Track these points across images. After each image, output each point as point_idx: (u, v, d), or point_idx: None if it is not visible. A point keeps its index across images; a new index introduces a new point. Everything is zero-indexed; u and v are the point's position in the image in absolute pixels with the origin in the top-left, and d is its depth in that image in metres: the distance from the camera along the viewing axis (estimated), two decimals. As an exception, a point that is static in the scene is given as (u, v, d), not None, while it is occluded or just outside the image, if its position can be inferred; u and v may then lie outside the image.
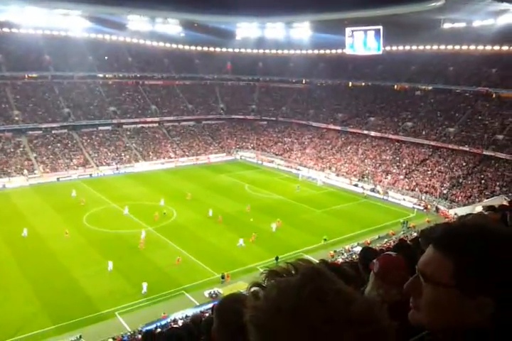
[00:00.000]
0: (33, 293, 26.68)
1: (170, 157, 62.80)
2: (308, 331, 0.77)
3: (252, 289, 0.88)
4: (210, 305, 22.83)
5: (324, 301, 0.79)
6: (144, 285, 27.32)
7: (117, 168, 56.89)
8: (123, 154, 60.76)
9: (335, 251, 33.10)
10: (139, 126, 67.62)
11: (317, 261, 3.26)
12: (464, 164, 49.94)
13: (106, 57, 72.01)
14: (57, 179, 51.98)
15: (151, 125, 68.69)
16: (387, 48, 64.60)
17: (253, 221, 38.61)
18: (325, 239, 35.13)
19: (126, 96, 71.42)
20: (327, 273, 0.87)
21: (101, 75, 72.54)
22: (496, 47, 57.47)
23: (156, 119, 69.47)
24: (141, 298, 26.88)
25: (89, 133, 63.26)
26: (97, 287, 27.50)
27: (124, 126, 66.64)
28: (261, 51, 79.48)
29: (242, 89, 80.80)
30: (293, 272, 0.87)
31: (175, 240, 34.69)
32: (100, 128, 64.60)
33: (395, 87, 67.97)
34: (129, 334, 23.38)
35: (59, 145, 59.46)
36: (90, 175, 54.09)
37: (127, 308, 25.78)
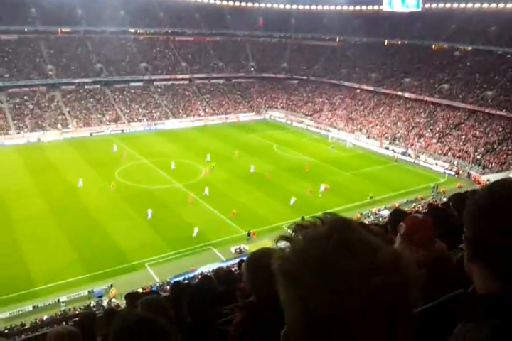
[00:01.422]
0: (69, 244, 28.04)
1: (199, 115, 62.90)
2: (336, 279, 0.78)
3: (279, 242, 0.89)
4: (236, 261, 23.62)
5: (351, 250, 0.80)
6: (196, 229, 29.48)
7: (148, 125, 57.47)
8: (154, 111, 61.20)
9: (361, 214, 33.18)
10: (170, 83, 67.49)
11: None
12: (500, 129, 48.28)
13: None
14: (91, 134, 53.09)
15: (181, 82, 68.46)
16: (427, 5, 61.21)
17: (283, 181, 38.92)
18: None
19: (157, 53, 70.94)
20: (354, 225, 0.87)
21: (132, 30, 71.99)
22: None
23: (187, 76, 69.11)
24: (170, 250, 27.92)
25: (121, 89, 63.66)
26: (129, 240, 28.71)
27: (155, 83, 66.68)
28: (294, 7, 76.87)
29: (273, 46, 78.90)
30: (320, 224, 0.88)
31: (203, 197, 35.37)
32: (132, 84, 64.88)
33: (433, 46, 64.95)
34: (158, 284, 24.52)
35: (92, 100, 60.21)
36: (122, 130, 54.95)
37: (157, 260, 26.95)
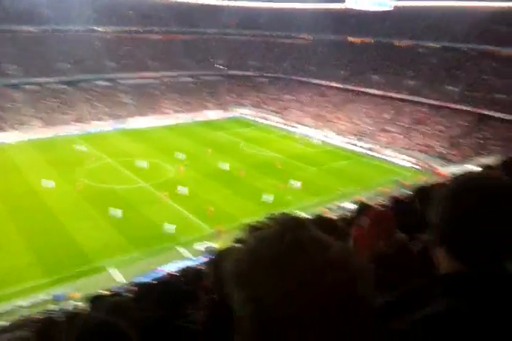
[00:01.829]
0: (28, 246, 27.21)
1: (167, 113, 62.22)
2: (289, 278, 0.78)
3: (235, 244, 0.92)
4: (204, 259, 23.39)
5: (302, 249, 0.81)
6: (172, 227, 29.37)
7: (114, 124, 56.51)
8: (119, 110, 60.23)
9: (329, 209, 33.36)
10: (137, 81, 66.54)
11: (311, 218, 3.32)
12: (463, 124, 49.40)
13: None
14: (55, 134, 51.83)
15: (149, 81, 67.59)
16: (394, 3, 62.19)
17: (246, 177, 38.90)
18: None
19: (125, 51, 69.86)
20: (306, 223, 0.89)
21: (99, 29, 70.62)
22: (505, 4, 54.97)
23: (155, 75, 68.26)
24: (135, 251, 27.46)
25: (86, 89, 62.44)
26: (92, 241, 28.04)
27: (122, 82, 65.62)
28: (263, 5, 76.87)
29: (242, 44, 78.74)
30: (273, 225, 0.88)
31: (170, 196, 35.03)
32: (98, 83, 63.64)
33: (399, 44, 65.84)
34: (124, 286, 24.02)
35: (56, 100, 58.85)
36: (87, 130, 53.88)
37: (122, 261, 26.39)
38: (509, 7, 55.05)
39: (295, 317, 0.77)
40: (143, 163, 41.57)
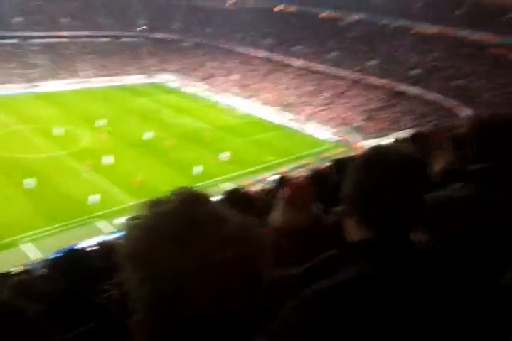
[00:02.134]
0: None
1: (83, 76, 58.40)
2: (186, 255, 0.78)
3: (132, 222, 0.88)
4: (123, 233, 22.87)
5: (199, 224, 0.81)
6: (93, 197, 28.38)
7: (23, 87, 52.11)
8: (30, 72, 55.48)
9: (255, 180, 33.79)
10: (49, 40, 61.34)
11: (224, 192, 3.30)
12: (380, 97, 51.62)
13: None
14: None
15: (61, 40, 62.51)
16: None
17: (171, 147, 38.13)
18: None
19: (34, 6, 63.74)
20: (204, 198, 0.89)
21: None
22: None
23: (68, 34, 63.26)
24: (52, 225, 26.17)
25: (-11, 47, 56.67)
26: (2, 215, 26.26)
27: (31, 41, 60.18)
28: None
29: (165, 6, 74.92)
30: (172, 200, 0.87)
31: (90, 166, 33.42)
32: (3, 41, 57.78)
33: (322, 14, 66.19)
34: (37, 262, 23.00)
35: (-47, 58, 52.94)
36: (-7, 93, 49.31)
37: (36, 236, 25.15)
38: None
39: (193, 292, 0.77)
40: (58, 130, 39.01)
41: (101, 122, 41.78)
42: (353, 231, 1.34)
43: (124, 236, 0.86)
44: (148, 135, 40.16)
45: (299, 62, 59.60)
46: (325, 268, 1.51)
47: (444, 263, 1.30)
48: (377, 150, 1.42)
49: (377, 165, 1.32)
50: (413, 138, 5.17)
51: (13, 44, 58.54)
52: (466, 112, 40.66)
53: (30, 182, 29.59)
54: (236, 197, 2.92)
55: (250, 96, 55.99)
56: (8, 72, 54.13)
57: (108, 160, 34.26)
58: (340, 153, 38.59)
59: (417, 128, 40.62)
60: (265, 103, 54.18)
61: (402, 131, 41.60)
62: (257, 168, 36.32)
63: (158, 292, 0.79)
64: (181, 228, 0.81)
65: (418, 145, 4.50)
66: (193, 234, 0.80)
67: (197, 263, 0.78)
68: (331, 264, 1.48)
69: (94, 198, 28.83)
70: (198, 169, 34.38)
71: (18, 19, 60.29)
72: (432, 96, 47.71)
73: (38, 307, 2.02)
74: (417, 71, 51.95)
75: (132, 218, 0.87)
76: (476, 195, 1.85)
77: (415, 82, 50.50)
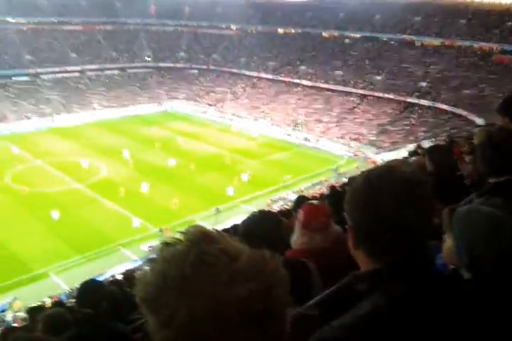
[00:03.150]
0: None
1: (95, 108, 59.55)
2: (198, 297, 0.76)
3: (145, 265, 0.89)
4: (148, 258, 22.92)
5: (208, 263, 0.78)
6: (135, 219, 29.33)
7: (40, 122, 53.16)
8: (43, 107, 56.76)
9: (271, 200, 33.90)
10: (59, 75, 62.91)
11: (254, 210, 3.30)
12: (390, 111, 51.96)
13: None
14: (-28, 135, 47.90)
15: (72, 74, 64.14)
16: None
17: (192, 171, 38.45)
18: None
19: (44, 44, 65.69)
20: (214, 235, 0.86)
21: (13, 20, 65.66)
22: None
23: (77, 68, 64.88)
24: (75, 255, 26.31)
25: (3, 85, 58.02)
26: (28, 248, 26.49)
27: (43, 76, 61.71)
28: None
29: (168, 35, 76.84)
30: (181, 240, 0.85)
31: (106, 196, 33.71)
32: (15, 78, 59.36)
33: (325, 34, 67.59)
34: (67, 292, 23.10)
35: (-30, 98, 54.35)
36: (9, 130, 50.29)
37: (62, 267, 25.28)
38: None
39: (211, 336, 0.75)
40: (78, 162, 39.57)
41: (121, 152, 42.33)
42: (362, 262, 1.29)
43: (137, 280, 0.84)
44: (171, 162, 40.46)
45: (306, 82, 60.38)
46: (340, 300, 1.49)
47: (471, 292, 1.25)
48: (380, 175, 1.28)
49: (381, 192, 1.22)
50: (429, 151, 5.17)
51: (26, 81, 60.10)
52: (478, 121, 40.68)
53: (54, 215, 29.91)
54: (263, 218, 2.89)
55: (261, 118, 56.60)
56: (23, 108, 55.41)
57: (142, 187, 34.63)
58: (356, 167, 38.72)
59: (431, 140, 40.77)
60: (277, 123, 54.70)
61: (415, 144, 41.71)
62: (275, 187, 36.43)
63: (173, 339, 0.77)
64: (189, 269, 0.78)
65: (434, 158, 4.66)
66: (202, 274, 0.77)
67: (207, 304, 0.75)
68: (346, 296, 1.41)
69: (136, 222, 29.52)
70: (228, 190, 34.64)
71: (28, 57, 62.11)
72: (442, 107, 47.95)
73: None
74: (424, 83, 52.40)
75: (147, 261, 0.86)
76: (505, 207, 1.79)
77: (424, 94, 50.88)
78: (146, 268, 0.85)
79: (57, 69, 62.78)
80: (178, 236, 0.86)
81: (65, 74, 63.44)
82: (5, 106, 54.76)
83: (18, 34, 64.44)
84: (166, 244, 0.85)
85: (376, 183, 1.25)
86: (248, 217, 2.95)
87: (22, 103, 56.19)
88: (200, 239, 0.83)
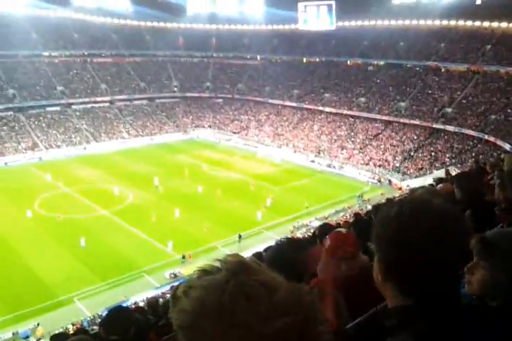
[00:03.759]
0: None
1: (123, 137, 61.19)
2: (236, 328, 0.75)
3: (180, 291, 0.86)
4: (170, 286, 22.89)
5: (247, 295, 0.78)
6: (170, 243, 30.03)
7: (70, 151, 54.87)
8: (73, 136, 58.67)
9: (294, 227, 33.63)
10: (89, 106, 65.17)
11: (278, 238, 3.28)
12: (415, 137, 51.46)
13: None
14: (5, 163, 49.68)
15: (101, 104, 66.40)
16: (340, 24, 65.20)
17: (216, 201, 38.61)
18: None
19: (74, 75, 68.48)
20: (253, 266, 0.85)
21: (46, 54, 68.99)
22: (444, 22, 58.84)
23: (107, 98, 67.19)
24: (99, 281, 26.48)
25: (36, 115, 60.53)
26: (54, 273, 26.86)
27: (74, 107, 64.07)
28: (214, 26, 78.20)
29: (195, 66, 79.13)
30: (219, 269, 0.85)
31: (132, 223, 34.12)
32: (48, 109, 61.86)
33: (348, 62, 68.38)
34: (89, 319, 23.13)
35: (5, 128, 56.64)
36: (40, 158, 52.02)
37: (86, 293, 25.41)
38: (446, 25, 58.81)
39: None
40: (108, 189, 40.43)
41: (147, 179, 42.99)
42: (390, 296, 1.24)
43: (172, 305, 0.85)
44: (197, 188, 40.93)
45: (329, 109, 60.71)
46: (366, 334, 1.45)
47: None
48: (413, 209, 1.22)
49: (415, 227, 1.16)
50: (458, 178, 5.06)
51: (57, 111, 62.48)
52: (505, 147, 39.86)
53: (81, 241, 30.37)
54: (290, 245, 2.87)
55: (284, 145, 56.91)
56: (54, 137, 57.44)
57: (168, 214, 35.12)
58: (380, 194, 38.21)
59: (457, 166, 39.98)
60: (300, 150, 54.86)
61: (441, 170, 40.99)
62: (298, 214, 36.19)
63: None
64: (227, 299, 0.77)
65: (462, 185, 4.53)
66: (240, 306, 0.77)
67: (243, 335, 0.74)
68: (373, 330, 1.37)
69: (169, 244, 30.11)
70: (251, 217, 34.82)
71: (60, 88, 64.71)
72: (469, 132, 47.20)
73: None
74: (450, 109, 51.93)
75: (182, 287, 0.86)
76: None
77: (450, 119, 50.33)
78: (179, 294, 0.84)
79: (87, 99, 65.14)
80: (216, 264, 0.86)
81: (95, 105, 65.71)
82: (36, 135, 56.85)
83: (51, 67, 67.45)
84: (204, 272, 0.86)
85: (410, 217, 1.18)
86: (276, 244, 2.92)
87: (53, 132, 58.22)
88: (239, 270, 0.82)
